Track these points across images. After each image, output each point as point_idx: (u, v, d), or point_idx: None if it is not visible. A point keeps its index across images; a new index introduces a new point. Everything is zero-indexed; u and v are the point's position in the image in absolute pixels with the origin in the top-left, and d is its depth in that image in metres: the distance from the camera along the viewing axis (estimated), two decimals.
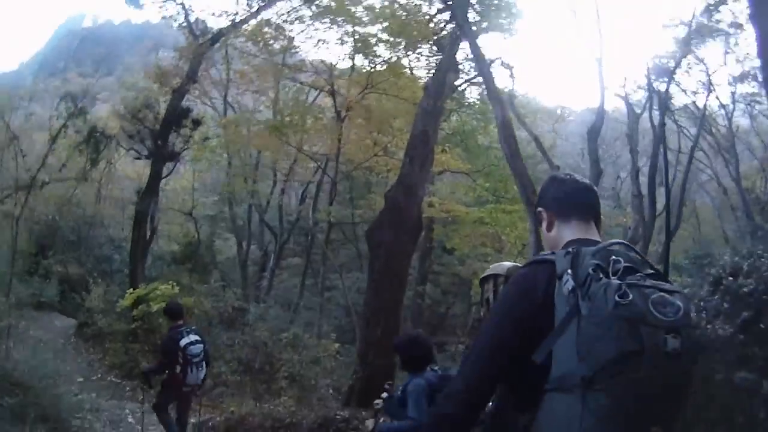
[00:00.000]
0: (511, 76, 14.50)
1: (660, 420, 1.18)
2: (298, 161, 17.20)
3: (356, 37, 13.66)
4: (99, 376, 8.39)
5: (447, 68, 10.49)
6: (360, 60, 14.70)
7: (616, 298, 1.12)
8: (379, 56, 14.18)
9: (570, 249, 1.32)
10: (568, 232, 1.51)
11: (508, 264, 2.35)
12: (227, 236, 22.89)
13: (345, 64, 16.11)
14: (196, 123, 16.08)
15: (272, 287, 18.60)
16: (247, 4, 14.97)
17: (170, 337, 5.76)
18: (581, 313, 1.17)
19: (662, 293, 1.16)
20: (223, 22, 15.45)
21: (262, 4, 14.89)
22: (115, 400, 7.65)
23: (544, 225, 1.58)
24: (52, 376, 6.86)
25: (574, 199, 1.55)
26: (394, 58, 13.89)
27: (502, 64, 13.39)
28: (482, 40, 13.33)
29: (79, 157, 20.44)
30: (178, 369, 5.52)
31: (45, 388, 6.24)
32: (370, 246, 9.62)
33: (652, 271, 1.30)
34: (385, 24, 13.27)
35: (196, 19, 15.93)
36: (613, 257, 1.25)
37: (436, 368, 3.53)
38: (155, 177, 15.75)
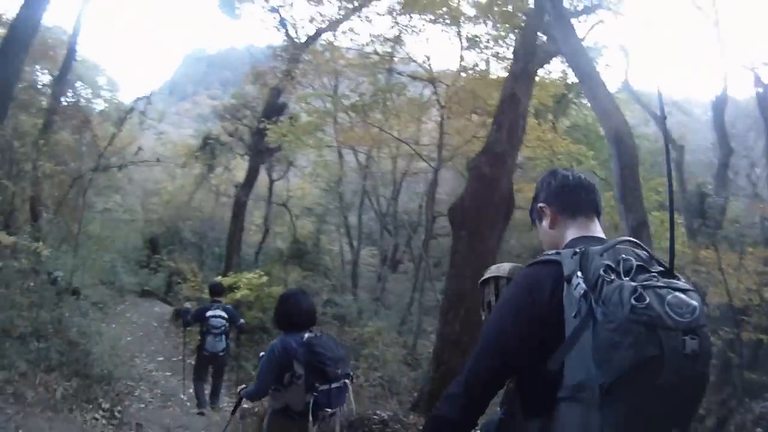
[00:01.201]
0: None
1: (679, 422, 1.16)
2: (399, 153, 16.29)
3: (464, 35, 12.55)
4: (179, 357, 8.32)
5: (535, 29, 9.20)
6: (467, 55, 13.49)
7: (633, 301, 1.09)
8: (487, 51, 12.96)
9: (577, 249, 1.26)
10: (571, 230, 1.48)
11: (508, 265, 2.03)
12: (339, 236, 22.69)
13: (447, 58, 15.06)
14: (293, 119, 16.13)
15: (385, 289, 17.73)
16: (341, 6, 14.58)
17: (202, 306, 6.90)
18: (596, 318, 1.12)
19: (677, 293, 1.12)
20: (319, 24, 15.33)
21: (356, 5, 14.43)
22: (181, 378, 7.52)
23: (546, 222, 1.54)
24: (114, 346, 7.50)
25: (578, 196, 1.50)
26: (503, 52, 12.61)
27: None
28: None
29: (195, 162, 21.97)
30: (201, 336, 6.67)
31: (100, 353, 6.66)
32: (453, 226, 8.50)
33: (661, 268, 1.23)
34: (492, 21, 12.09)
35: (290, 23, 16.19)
36: (623, 256, 1.21)
37: (310, 334, 3.37)
38: (253, 171, 16.21)
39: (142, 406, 6.75)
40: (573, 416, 1.15)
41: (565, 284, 1.22)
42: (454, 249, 8.31)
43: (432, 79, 13.07)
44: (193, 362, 7.33)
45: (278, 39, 16.80)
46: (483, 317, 2.39)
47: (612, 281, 1.14)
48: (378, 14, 13.34)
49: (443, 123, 12.70)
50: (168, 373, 8.84)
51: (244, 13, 16.68)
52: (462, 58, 12.71)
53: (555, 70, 13.17)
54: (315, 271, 17.22)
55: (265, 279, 10.97)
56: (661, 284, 1.14)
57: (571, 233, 1.47)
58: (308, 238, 19.93)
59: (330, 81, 15.81)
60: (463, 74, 12.78)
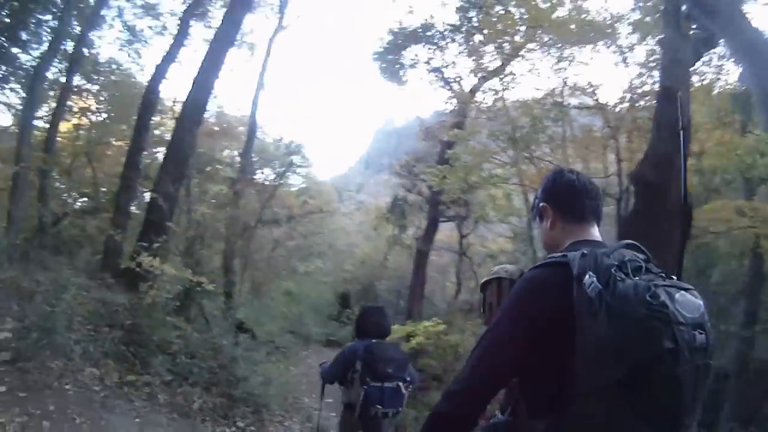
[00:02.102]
0: None
1: (691, 411, 1.17)
2: None
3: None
4: None
5: (676, 9, 7.78)
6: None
7: (648, 298, 1.12)
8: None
9: (584, 251, 1.27)
10: (571, 233, 1.48)
11: (512, 267, 2.24)
12: None
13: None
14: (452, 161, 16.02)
15: None
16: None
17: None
18: (613, 315, 1.13)
19: (682, 292, 1.17)
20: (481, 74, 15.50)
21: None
22: None
23: (547, 222, 1.53)
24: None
25: (581, 201, 1.50)
26: None
27: None
28: None
29: (387, 224, 23.08)
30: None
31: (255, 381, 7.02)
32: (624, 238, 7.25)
33: (660, 272, 1.26)
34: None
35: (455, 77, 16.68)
36: (627, 257, 1.24)
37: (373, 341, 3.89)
38: (432, 223, 16.44)
39: None
40: (592, 412, 1.15)
41: (575, 284, 1.21)
42: None
43: (600, 107, 11.90)
44: None
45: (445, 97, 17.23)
46: (483, 320, 2.49)
47: (623, 280, 1.17)
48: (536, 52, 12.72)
49: (619, 149, 11.30)
50: (332, 414, 8.90)
51: (411, 78, 17.76)
52: (631, 84, 11.37)
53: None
54: None
55: (442, 327, 10.62)
56: (668, 283, 1.18)
57: (571, 236, 1.47)
58: None
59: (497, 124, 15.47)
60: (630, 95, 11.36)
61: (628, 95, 11.25)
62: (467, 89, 16.11)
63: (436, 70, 16.93)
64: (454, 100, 16.67)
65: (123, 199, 8.97)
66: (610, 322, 1.12)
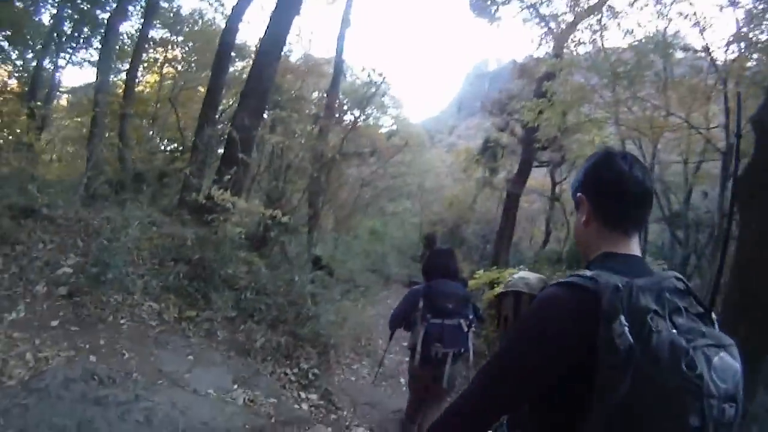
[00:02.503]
0: None
1: None
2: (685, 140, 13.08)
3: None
4: None
5: None
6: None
7: (684, 368, 0.99)
8: None
9: (618, 283, 1.08)
10: (607, 240, 1.26)
11: (532, 279, 2.10)
12: None
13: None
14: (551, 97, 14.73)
15: None
16: None
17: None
18: (641, 379, 0.99)
19: (722, 354, 1.04)
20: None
21: None
22: None
23: (582, 217, 1.31)
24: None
25: (628, 206, 1.26)
26: None
27: None
28: None
29: (477, 166, 22.21)
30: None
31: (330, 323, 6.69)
32: (740, 207, 6.11)
33: (700, 309, 1.15)
34: None
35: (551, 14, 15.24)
36: (667, 295, 1.10)
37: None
38: (525, 164, 15.48)
39: (353, 379, 6.59)
40: None
41: (603, 323, 1.05)
42: (742, 238, 5.89)
43: (706, 50, 10.03)
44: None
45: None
46: (496, 332, 3.46)
47: (660, 332, 1.03)
48: None
49: (727, 96, 9.55)
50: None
51: (504, 15, 16.55)
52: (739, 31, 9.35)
53: None
54: None
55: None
56: (709, 342, 1.05)
57: (605, 244, 1.27)
58: None
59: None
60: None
61: (736, 44, 9.32)
62: (563, 26, 14.63)
63: (531, 6, 15.52)
64: (550, 39, 15.31)
65: (201, 137, 8.89)
66: (635, 386, 1.00)
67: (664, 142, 13.26)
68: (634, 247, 1.27)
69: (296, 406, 4.85)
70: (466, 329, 3.80)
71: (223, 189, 6.61)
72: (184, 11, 15.70)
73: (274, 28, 9.26)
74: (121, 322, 4.80)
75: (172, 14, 15.04)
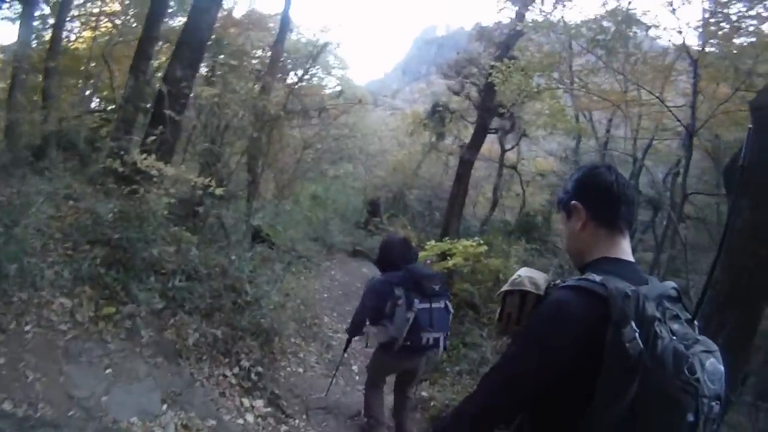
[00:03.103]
0: None
1: None
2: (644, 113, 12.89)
3: None
4: None
5: None
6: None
7: (686, 372, 1.11)
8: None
9: (627, 291, 1.17)
10: (602, 244, 1.37)
11: (540, 279, 1.83)
12: None
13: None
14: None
15: None
16: None
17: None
18: (648, 381, 1.10)
19: (711, 359, 1.17)
20: None
21: None
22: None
23: (577, 223, 1.41)
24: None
25: (618, 208, 1.39)
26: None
27: None
28: None
29: (424, 131, 21.55)
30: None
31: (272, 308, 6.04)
32: (728, 192, 5.96)
33: (689, 316, 1.29)
34: None
35: None
36: (666, 304, 1.22)
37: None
38: (480, 130, 14.96)
39: (300, 371, 5.90)
40: None
41: (613, 328, 1.14)
42: (730, 225, 5.54)
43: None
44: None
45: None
46: (497, 329, 3.82)
47: (663, 338, 1.13)
48: None
49: (696, 83, 9.24)
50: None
51: None
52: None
53: None
54: (542, 247, 15.33)
55: (484, 248, 9.44)
56: (703, 348, 1.18)
57: (601, 249, 1.38)
58: (539, 212, 17.96)
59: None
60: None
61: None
62: None
63: None
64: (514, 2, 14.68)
65: (132, 94, 7.69)
66: (643, 388, 1.09)
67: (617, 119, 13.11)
68: (628, 250, 1.38)
69: (240, 420, 4.10)
70: (451, 310, 3.84)
71: (147, 153, 5.58)
72: None
73: None
74: (26, 329, 3.81)
75: None
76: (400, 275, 3.63)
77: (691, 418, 1.10)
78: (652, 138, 12.82)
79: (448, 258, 9.22)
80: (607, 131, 16.60)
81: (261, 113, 8.59)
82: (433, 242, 10.00)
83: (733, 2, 7.97)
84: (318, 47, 13.19)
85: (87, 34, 14.61)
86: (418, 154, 21.99)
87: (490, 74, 12.31)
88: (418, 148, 22.16)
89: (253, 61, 13.68)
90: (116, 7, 14.34)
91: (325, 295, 9.67)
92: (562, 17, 11.35)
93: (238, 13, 15.24)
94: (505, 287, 2.15)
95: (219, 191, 6.11)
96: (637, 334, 1.10)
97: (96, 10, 14.19)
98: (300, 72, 13.75)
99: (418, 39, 74.52)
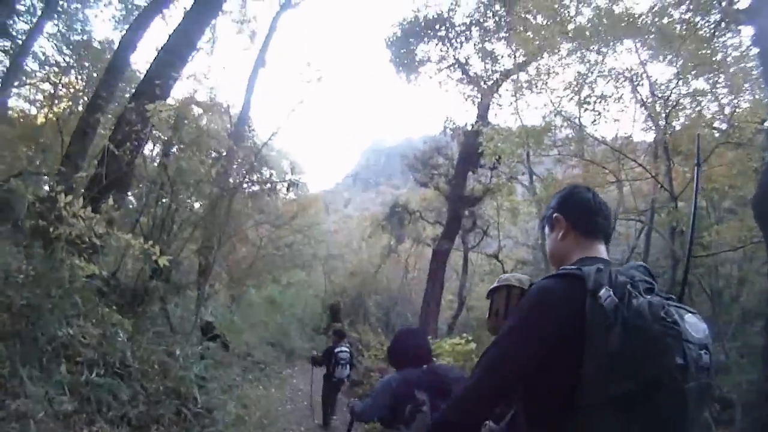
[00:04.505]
0: None
1: (695, 426, 1.19)
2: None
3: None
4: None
5: None
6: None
7: (663, 315, 1.16)
8: None
9: (599, 266, 1.28)
10: (580, 248, 1.47)
11: (523, 276, 2.15)
12: None
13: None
14: (496, 163, 13.90)
15: None
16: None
17: (331, 346, 7.82)
18: (628, 329, 1.15)
19: (689, 314, 1.21)
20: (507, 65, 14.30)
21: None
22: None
23: (559, 233, 1.52)
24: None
25: (595, 219, 1.51)
26: None
27: None
28: None
29: (383, 233, 20.73)
30: (331, 367, 7.50)
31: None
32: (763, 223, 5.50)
33: (668, 296, 1.31)
34: None
35: (474, 74, 15.40)
36: (638, 278, 1.29)
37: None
38: (454, 221, 14.11)
39: None
40: (596, 424, 1.14)
41: (590, 297, 1.21)
42: None
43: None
44: (319, 398, 7.78)
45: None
46: (488, 326, 2.56)
47: (638, 297, 1.20)
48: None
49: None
50: None
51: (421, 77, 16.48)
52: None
53: None
54: None
55: (473, 346, 8.78)
56: (677, 305, 1.22)
57: (581, 251, 1.45)
58: None
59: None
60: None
61: None
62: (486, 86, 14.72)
63: (458, 63, 15.17)
64: (477, 94, 14.91)
65: (73, 152, 6.52)
66: (625, 335, 1.14)
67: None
68: (604, 252, 1.47)
69: None
70: None
71: (81, 202, 4.16)
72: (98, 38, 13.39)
73: (186, 24, 7.53)
74: None
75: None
76: (421, 376, 3.04)
77: (679, 360, 1.11)
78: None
79: (437, 357, 8.15)
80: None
81: (220, 183, 7.41)
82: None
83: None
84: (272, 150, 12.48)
85: (45, 102, 13.53)
86: (377, 257, 21.08)
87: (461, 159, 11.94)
88: (377, 251, 21.31)
89: (211, 141, 12.66)
90: (72, 78, 13.31)
91: (289, 407, 7.96)
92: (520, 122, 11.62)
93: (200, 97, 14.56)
94: (492, 285, 2.30)
95: (164, 260, 4.64)
96: (611, 293, 1.18)
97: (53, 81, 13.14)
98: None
99: (367, 150, 76.74)
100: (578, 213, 1.50)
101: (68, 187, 5.11)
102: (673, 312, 1.16)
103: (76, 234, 4.07)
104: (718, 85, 8.77)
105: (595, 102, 9.66)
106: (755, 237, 7.97)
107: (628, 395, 1.11)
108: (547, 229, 1.59)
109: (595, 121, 9.92)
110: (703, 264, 9.90)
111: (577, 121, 10.12)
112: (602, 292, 1.19)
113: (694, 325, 1.18)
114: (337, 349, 7.64)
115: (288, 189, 14.90)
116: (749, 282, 10.59)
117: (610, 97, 9.62)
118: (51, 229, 3.90)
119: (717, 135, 9.04)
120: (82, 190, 5.79)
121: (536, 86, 10.94)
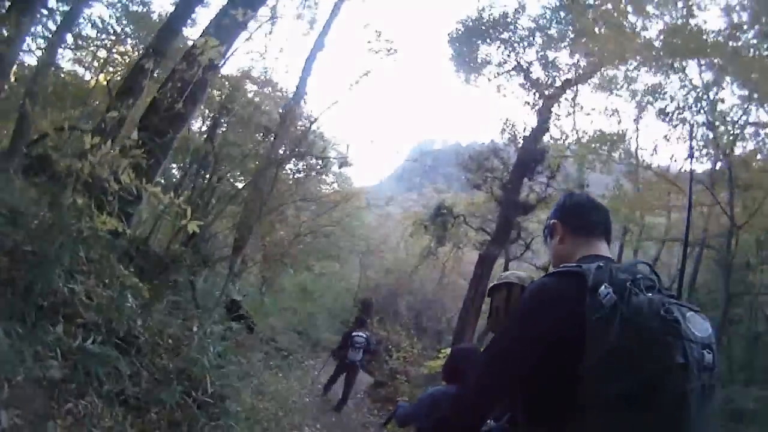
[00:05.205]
0: None
1: (699, 427, 1.13)
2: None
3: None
4: None
5: None
6: None
7: (663, 312, 1.12)
8: None
9: (599, 263, 1.27)
10: (581, 248, 1.47)
11: (523, 274, 2.15)
12: None
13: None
14: (554, 172, 13.19)
15: None
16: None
17: (348, 330, 8.84)
18: (627, 327, 1.12)
19: (692, 313, 1.17)
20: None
21: None
22: None
23: (557, 238, 1.54)
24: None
25: (590, 217, 1.53)
26: None
27: None
28: None
29: (425, 234, 20.16)
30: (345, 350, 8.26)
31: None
32: None
33: (670, 293, 1.26)
34: None
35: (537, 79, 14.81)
36: (640, 275, 1.24)
37: None
38: (504, 225, 13.41)
39: None
40: (597, 423, 1.12)
41: (589, 294, 1.19)
42: None
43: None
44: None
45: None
46: (488, 323, 2.63)
47: (638, 294, 1.16)
48: None
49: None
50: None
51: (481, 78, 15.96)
52: None
53: None
54: None
55: None
56: (679, 303, 1.18)
57: (581, 251, 1.45)
58: None
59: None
60: None
61: None
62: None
63: (520, 67, 14.72)
64: (540, 101, 14.28)
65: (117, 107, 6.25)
66: (624, 333, 1.11)
67: None
68: (604, 249, 1.47)
69: None
70: None
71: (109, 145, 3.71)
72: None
73: None
74: None
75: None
76: None
77: (680, 359, 1.08)
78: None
79: None
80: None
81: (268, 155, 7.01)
82: (448, 350, 8.52)
83: None
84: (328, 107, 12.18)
85: (98, 67, 13.43)
86: (415, 258, 20.55)
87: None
88: (416, 251, 20.78)
89: (262, 117, 12.36)
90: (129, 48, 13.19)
91: (307, 400, 7.52)
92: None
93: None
94: (492, 283, 2.39)
95: (194, 225, 4.19)
96: (610, 290, 1.15)
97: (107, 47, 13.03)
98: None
99: (415, 149, 76.12)
100: (574, 215, 1.52)
101: (99, 130, 4.75)
102: (674, 310, 1.13)
103: (89, 173, 3.62)
104: None
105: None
106: None
107: (629, 395, 1.08)
108: (548, 239, 1.59)
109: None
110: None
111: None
112: (601, 289, 1.18)
113: (697, 323, 1.14)
114: (354, 333, 8.25)
115: (340, 167, 14.65)
116: None
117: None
118: (61, 164, 3.49)
119: None
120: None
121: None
